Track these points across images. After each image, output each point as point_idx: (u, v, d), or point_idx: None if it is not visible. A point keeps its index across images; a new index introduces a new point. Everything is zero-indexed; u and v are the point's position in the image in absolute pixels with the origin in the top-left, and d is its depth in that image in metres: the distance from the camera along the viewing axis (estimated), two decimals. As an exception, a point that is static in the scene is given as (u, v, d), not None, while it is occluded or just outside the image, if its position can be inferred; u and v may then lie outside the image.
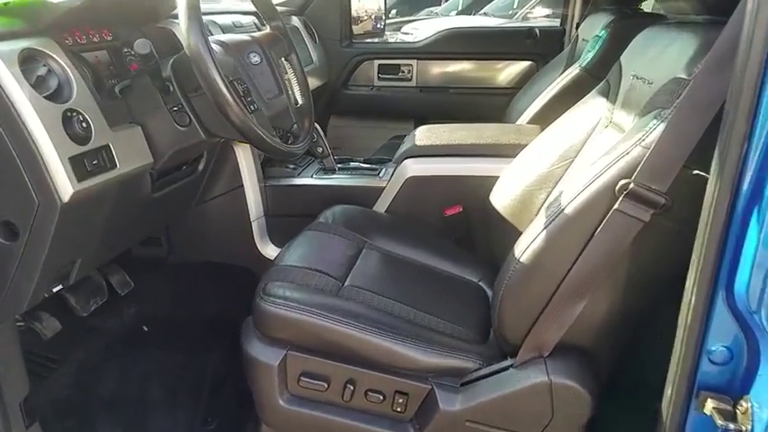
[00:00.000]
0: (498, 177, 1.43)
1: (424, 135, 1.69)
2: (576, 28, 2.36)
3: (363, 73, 2.71)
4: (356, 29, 2.77)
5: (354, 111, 2.74)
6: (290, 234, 1.44)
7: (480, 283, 1.38)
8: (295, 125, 1.37)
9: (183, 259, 1.75)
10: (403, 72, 2.70)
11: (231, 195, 1.68)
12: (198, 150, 1.37)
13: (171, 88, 1.16)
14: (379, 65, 2.69)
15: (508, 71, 2.63)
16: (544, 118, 1.85)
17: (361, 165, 1.83)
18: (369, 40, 2.81)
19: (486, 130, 1.72)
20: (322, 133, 1.63)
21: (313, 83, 2.11)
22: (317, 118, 1.57)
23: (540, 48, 2.56)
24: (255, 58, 1.28)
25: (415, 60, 2.65)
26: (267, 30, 1.44)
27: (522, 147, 1.45)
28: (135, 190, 1.21)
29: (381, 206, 1.65)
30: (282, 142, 1.25)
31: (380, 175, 1.73)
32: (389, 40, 2.92)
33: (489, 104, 2.57)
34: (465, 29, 2.65)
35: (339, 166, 1.79)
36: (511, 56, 2.60)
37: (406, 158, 1.64)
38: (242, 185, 1.66)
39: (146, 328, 1.66)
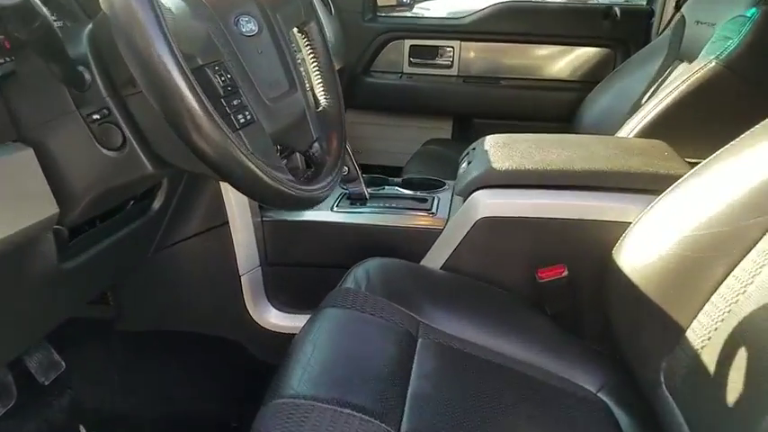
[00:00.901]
0: (628, 224, 0.92)
1: (501, 152, 1.13)
2: (678, 7, 1.79)
3: (390, 56, 2.13)
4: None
5: (378, 104, 2.17)
6: (298, 292, 1.09)
7: (600, 395, 0.88)
8: (316, 145, 0.81)
9: (138, 326, 1.19)
10: (442, 56, 2.13)
11: (211, 236, 1.12)
12: (146, 184, 0.81)
13: (87, 80, 0.62)
14: (412, 46, 2.11)
15: (578, 60, 2.06)
16: (666, 129, 1.30)
17: (401, 191, 1.27)
18: (395, 14, 2.23)
19: (593, 144, 1.16)
20: (349, 147, 1.08)
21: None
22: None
23: (621, 31, 1.99)
24: (249, 26, 0.71)
25: (458, 42, 2.08)
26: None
27: (666, 178, 0.95)
28: (25, 263, 0.67)
29: (437, 259, 1.11)
30: (294, 177, 0.70)
31: (434, 209, 1.18)
32: (424, 15, 2.33)
33: (553, 102, 2.02)
34: (523, 3, 2.06)
35: (370, 190, 1.23)
36: (583, 40, 2.03)
37: (478, 189, 1.08)
38: (227, 222, 1.10)
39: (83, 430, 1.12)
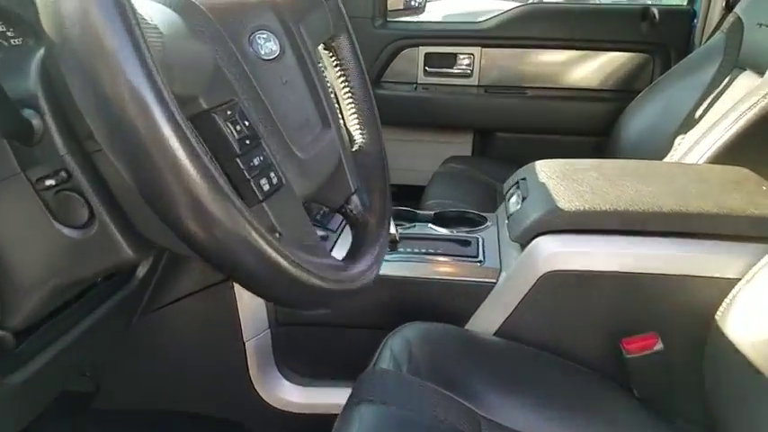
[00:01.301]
0: (736, 281, 0.76)
1: (562, 185, 0.92)
2: (730, 7, 1.60)
3: (404, 64, 1.93)
4: (390, 2, 1.99)
5: (390, 118, 1.95)
6: (314, 359, 0.93)
7: None
8: (355, 199, 0.60)
9: (119, 404, 0.98)
10: (461, 65, 1.93)
11: (209, 295, 0.92)
12: (123, 268, 0.61)
13: (38, 129, 0.41)
14: (427, 54, 1.91)
15: (613, 67, 1.86)
16: (747, 154, 1.11)
17: (436, 230, 1.06)
18: (408, 19, 2.02)
19: (673, 175, 0.97)
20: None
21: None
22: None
23: (660, 35, 1.79)
24: (269, 45, 0.51)
25: (478, 48, 1.87)
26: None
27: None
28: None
29: (489, 321, 0.90)
30: (340, 262, 0.49)
31: (480, 255, 0.97)
32: (437, 20, 2.12)
33: (586, 114, 1.82)
34: (551, 5, 1.87)
35: (399, 230, 1.03)
36: (618, 45, 1.83)
37: (540, 235, 0.88)
38: (228, 279, 0.90)
39: None
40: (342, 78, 0.68)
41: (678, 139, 1.49)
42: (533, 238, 0.88)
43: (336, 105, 0.66)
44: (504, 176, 1.66)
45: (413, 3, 2.18)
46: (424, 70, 1.93)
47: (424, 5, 2.25)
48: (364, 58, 1.76)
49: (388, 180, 0.66)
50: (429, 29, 1.93)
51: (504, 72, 1.90)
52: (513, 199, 1.02)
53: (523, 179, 1.04)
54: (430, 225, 1.08)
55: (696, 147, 1.19)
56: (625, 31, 1.80)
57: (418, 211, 1.14)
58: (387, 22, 1.94)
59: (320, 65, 0.64)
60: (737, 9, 1.52)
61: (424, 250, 0.98)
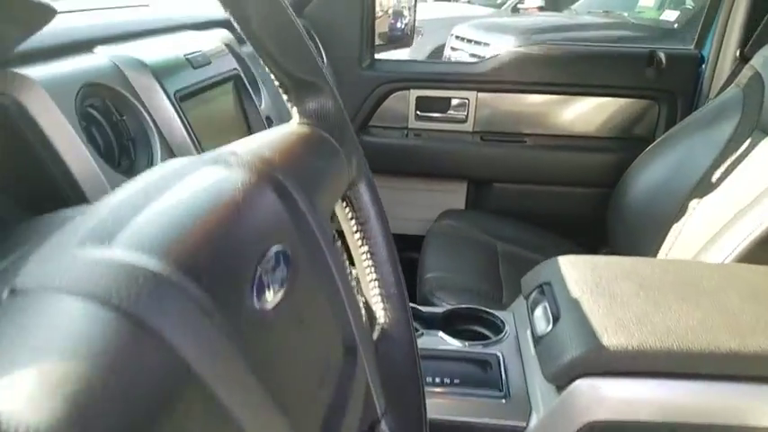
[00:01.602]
0: None
1: (599, 303, 0.80)
2: (745, 58, 1.50)
3: (393, 109, 1.79)
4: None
5: (379, 166, 1.82)
6: None
7: None
8: (383, 426, 0.46)
9: None
10: (455, 109, 1.80)
11: None
12: None
13: None
14: (419, 98, 1.77)
15: (617, 114, 1.76)
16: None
17: (448, 343, 0.93)
18: (398, 57, 1.88)
19: (723, 289, 0.84)
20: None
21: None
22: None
23: (666, 81, 1.69)
24: (279, 273, 0.35)
25: (474, 93, 1.74)
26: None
27: None
28: None
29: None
30: None
31: (503, 386, 0.84)
32: (426, 60, 1.97)
33: (590, 164, 1.71)
34: (552, 47, 1.75)
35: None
36: (622, 91, 1.72)
37: (579, 377, 0.75)
38: None
39: None
40: (359, 234, 0.54)
41: (693, 203, 1.39)
42: (572, 381, 0.75)
43: (353, 280, 0.51)
44: (504, 233, 1.54)
45: (397, 33, 2.04)
46: (416, 114, 1.79)
47: (412, 36, 2.11)
48: (350, 102, 1.61)
49: (422, 382, 0.52)
50: (420, 70, 1.79)
51: (501, 118, 1.78)
52: (539, 312, 0.89)
53: (548, 284, 0.91)
54: (440, 334, 0.95)
55: (727, 234, 1.08)
56: (630, 76, 1.69)
57: (424, 310, 1.00)
58: (375, 61, 1.79)
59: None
60: (755, 63, 1.42)
61: (438, 380, 0.85)
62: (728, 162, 1.35)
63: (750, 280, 0.92)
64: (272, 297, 0.34)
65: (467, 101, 1.76)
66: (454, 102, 1.79)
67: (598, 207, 1.63)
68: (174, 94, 0.84)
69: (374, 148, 1.76)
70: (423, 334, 0.95)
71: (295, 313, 0.36)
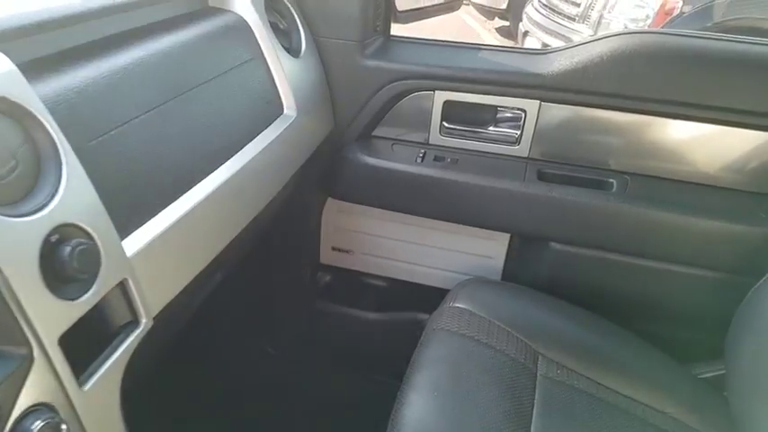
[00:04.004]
0: None
1: None
2: None
3: (408, 116, 1.20)
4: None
5: (380, 196, 1.25)
6: None
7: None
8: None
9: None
10: (502, 124, 1.19)
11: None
12: None
13: None
14: (447, 103, 1.16)
15: (758, 152, 1.08)
16: None
17: None
18: (422, 40, 1.26)
19: None
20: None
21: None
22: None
23: None
24: None
25: (537, 102, 1.11)
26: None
27: None
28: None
29: None
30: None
31: None
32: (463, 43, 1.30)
33: (722, 237, 1.05)
34: (673, 36, 1.07)
35: None
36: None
37: None
38: None
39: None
40: None
41: None
42: None
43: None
44: (553, 335, 0.98)
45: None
46: (442, 127, 1.19)
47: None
48: (346, 103, 0.96)
49: None
50: (451, 64, 1.12)
51: (577, 143, 1.14)
52: None
53: None
54: None
55: None
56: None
57: None
58: (388, 43, 1.20)
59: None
60: None
61: None
62: None
63: None
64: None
65: (522, 113, 1.13)
66: (502, 113, 1.18)
67: (723, 301, 1.00)
68: None
69: (377, 174, 1.19)
70: None
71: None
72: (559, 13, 4.26)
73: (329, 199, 1.32)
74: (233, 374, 1.45)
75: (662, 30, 1.30)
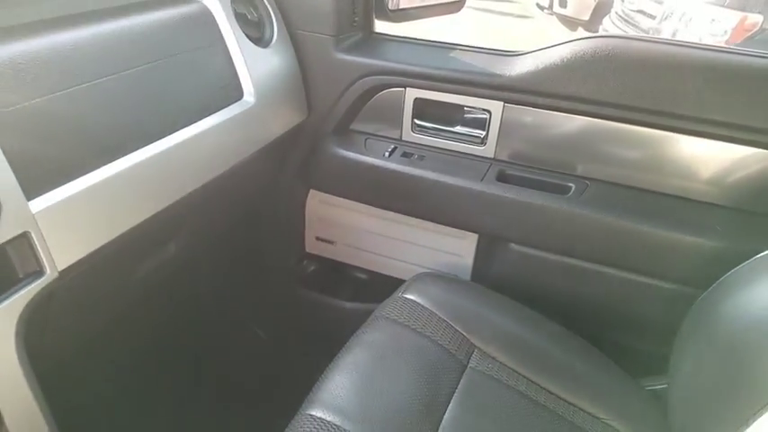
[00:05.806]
0: None
1: None
2: None
3: (381, 111, 1.23)
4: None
5: (352, 188, 1.29)
6: None
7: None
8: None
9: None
10: (468, 124, 1.19)
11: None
12: None
13: None
14: (417, 100, 1.18)
15: (747, 168, 1.01)
16: None
17: None
18: (395, 36, 1.28)
19: None
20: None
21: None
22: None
23: None
24: None
25: (500, 104, 1.11)
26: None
27: None
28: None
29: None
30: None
31: None
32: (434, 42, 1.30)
33: (677, 246, 1.01)
34: (639, 41, 1.03)
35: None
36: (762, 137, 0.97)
37: None
38: None
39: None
40: None
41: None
42: None
43: None
44: (496, 326, 0.98)
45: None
46: (414, 124, 1.21)
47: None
48: (321, 96, 1.16)
49: None
50: (422, 63, 1.14)
51: (540, 146, 1.13)
52: None
53: None
54: None
55: None
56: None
57: None
58: (369, 36, 1.24)
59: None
60: None
61: None
62: None
63: None
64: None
65: (488, 114, 1.13)
66: (470, 113, 1.18)
67: (671, 312, 0.96)
68: None
69: (349, 166, 1.23)
70: None
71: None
72: (635, 26, 4.10)
73: (311, 189, 1.37)
74: (224, 358, 1.52)
75: (630, 35, 1.24)
